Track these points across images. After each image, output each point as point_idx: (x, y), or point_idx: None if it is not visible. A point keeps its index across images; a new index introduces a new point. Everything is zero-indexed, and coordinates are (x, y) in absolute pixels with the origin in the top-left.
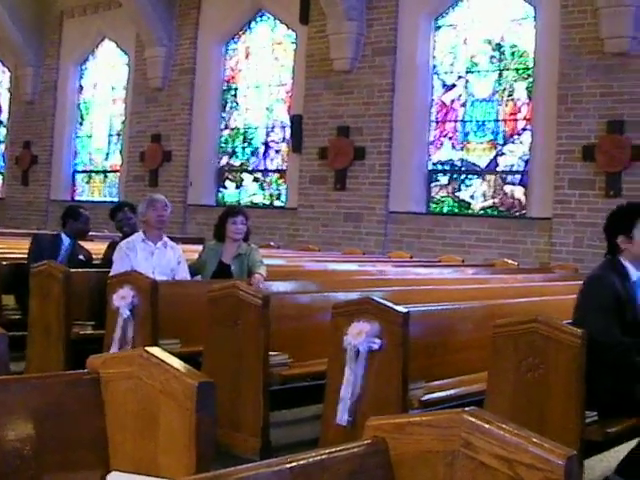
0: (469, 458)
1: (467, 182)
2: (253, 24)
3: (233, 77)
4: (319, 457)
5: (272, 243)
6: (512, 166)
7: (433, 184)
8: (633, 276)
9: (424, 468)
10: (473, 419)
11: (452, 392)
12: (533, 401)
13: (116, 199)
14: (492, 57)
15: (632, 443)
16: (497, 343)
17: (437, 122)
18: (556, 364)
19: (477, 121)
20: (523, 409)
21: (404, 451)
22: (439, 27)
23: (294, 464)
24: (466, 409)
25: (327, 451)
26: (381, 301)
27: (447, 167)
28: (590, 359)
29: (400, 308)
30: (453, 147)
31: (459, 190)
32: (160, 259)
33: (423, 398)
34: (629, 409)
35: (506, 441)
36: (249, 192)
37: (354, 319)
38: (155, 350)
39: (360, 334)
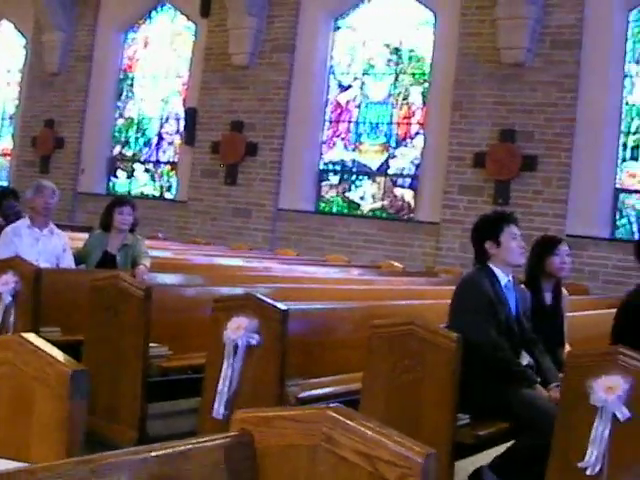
0: (331, 453)
1: (357, 183)
2: (153, 14)
3: (130, 66)
4: (184, 447)
5: (160, 235)
6: (403, 169)
7: (323, 183)
8: (502, 280)
9: (287, 461)
10: (336, 415)
11: (329, 390)
12: (407, 402)
13: (6, 183)
14: (389, 60)
15: (505, 445)
16: (373, 344)
17: (331, 122)
18: (431, 367)
19: (371, 123)
20: (397, 410)
21: (269, 444)
22: (338, 28)
23: (160, 452)
24: (330, 405)
25: (193, 441)
26: (261, 297)
27: (338, 167)
28: (465, 362)
29: (279, 305)
30: (345, 148)
31: (349, 190)
32: (45, 246)
33: (300, 395)
34: (501, 411)
35: (367, 438)
36: (140, 183)
37: (234, 314)
38: (31, 336)
39: (239, 329)
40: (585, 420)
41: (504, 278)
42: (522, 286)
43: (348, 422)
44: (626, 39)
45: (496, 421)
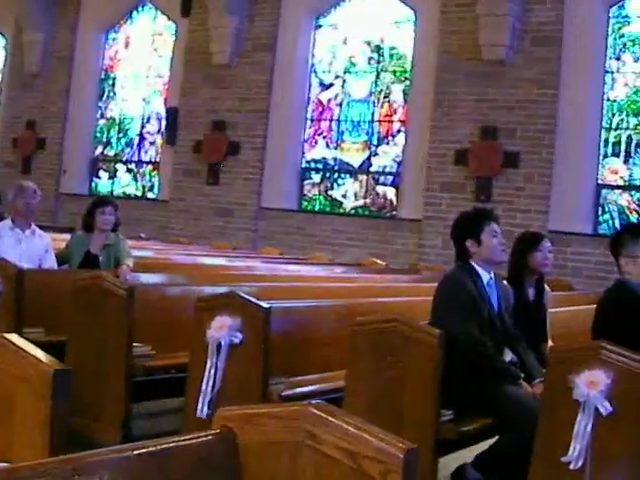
0: (313, 449)
1: (340, 181)
2: (134, 14)
3: (112, 66)
4: (167, 444)
5: (142, 235)
6: (385, 167)
7: (306, 182)
8: (484, 277)
9: (270, 458)
10: (318, 412)
11: (313, 388)
12: (391, 399)
13: None
14: (370, 58)
15: (489, 442)
16: (356, 341)
17: (313, 120)
18: (414, 363)
19: (352, 121)
20: (381, 406)
21: (251, 441)
22: (320, 26)
23: (142, 450)
24: (312, 402)
25: (175, 439)
26: (244, 296)
27: (320, 165)
28: (448, 359)
29: (262, 303)
30: (327, 146)
31: (331, 189)
32: (28, 247)
33: (283, 393)
34: (484, 408)
35: (349, 434)
36: (122, 183)
37: (217, 313)
38: (13, 337)
39: (222, 328)
40: (568, 415)
41: (486, 275)
42: (505, 282)
43: (330, 418)
44: (607, 35)
45: (479, 417)
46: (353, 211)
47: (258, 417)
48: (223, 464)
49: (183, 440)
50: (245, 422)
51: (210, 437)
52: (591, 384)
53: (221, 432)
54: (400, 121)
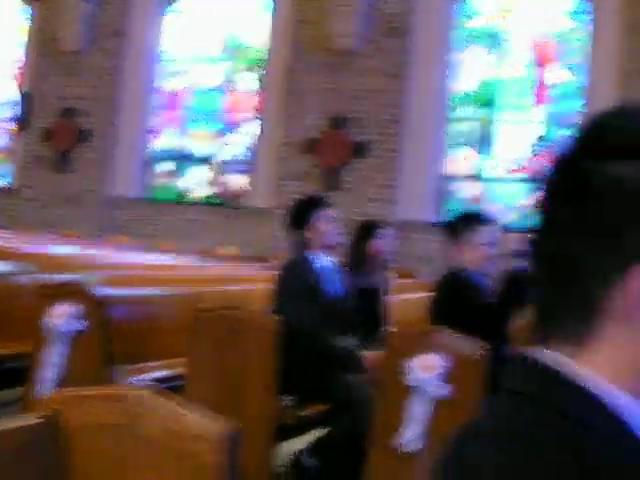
0: (136, 431)
1: (190, 170)
2: None
3: None
4: None
5: None
6: (236, 156)
7: (154, 170)
8: (324, 264)
9: (95, 440)
10: (142, 394)
11: (155, 375)
12: (232, 385)
13: None
14: (223, 47)
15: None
16: (197, 328)
17: (162, 109)
18: (253, 349)
19: (203, 109)
20: (223, 392)
21: (78, 423)
22: (171, 13)
23: None
24: (140, 385)
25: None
26: (83, 284)
27: (170, 154)
28: (289, 345)
29: (102, 291)
30: (178, 134)
31: (181, 177)
32: None
33: (125, 381)
34: (322, 394)
35: (172, 415)
36: None
37: (57, 301)
38: None
39: (62, 316)
40: (403, 399)
41: (325, 261)
42: (345, 268)
43: (153, 400)
44: (453, 28)
45: (319, 403)
46: (203, 200)
47: (87, 399)
48: (49, 447)
49: (10, 422)
50: (74, 404)
51: (37, 420)
52: (425, 368)
53: (50, 415)
54: (252, 110)
